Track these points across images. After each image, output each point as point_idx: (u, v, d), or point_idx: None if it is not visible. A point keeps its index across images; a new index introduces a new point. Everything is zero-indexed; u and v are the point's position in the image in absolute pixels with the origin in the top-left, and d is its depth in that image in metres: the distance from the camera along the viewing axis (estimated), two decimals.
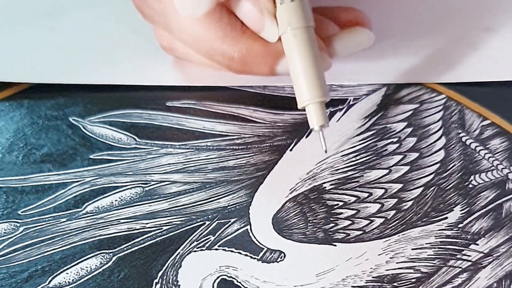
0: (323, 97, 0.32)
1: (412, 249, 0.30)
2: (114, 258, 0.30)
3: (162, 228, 0.31)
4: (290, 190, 0.33)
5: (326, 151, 0.34)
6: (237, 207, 0.32)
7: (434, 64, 0.38)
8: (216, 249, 0.30)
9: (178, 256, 0.30)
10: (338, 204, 0.32)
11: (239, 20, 0.34)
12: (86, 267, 0.30)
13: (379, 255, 0.30)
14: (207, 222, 0.31)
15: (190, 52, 0.36)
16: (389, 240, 0.31)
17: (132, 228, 0.31)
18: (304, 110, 0.33)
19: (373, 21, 0.40)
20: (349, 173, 0.33)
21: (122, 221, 0.32)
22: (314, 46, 0.33)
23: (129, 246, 0.31)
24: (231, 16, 0.33)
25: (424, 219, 0.31)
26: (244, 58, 0.34)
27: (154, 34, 0.38)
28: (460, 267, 0.29)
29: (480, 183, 0.33)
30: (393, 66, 0.38)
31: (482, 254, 0.30)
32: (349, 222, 0.31)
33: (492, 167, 0.33)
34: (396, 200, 0.32)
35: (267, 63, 0.34)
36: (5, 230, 0.31)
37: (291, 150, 0.35)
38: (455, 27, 0.41)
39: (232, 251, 0.30)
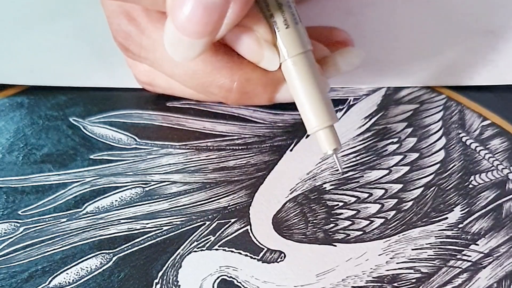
0: (331, 120, 0.31)
1: (412, 249, 0.30)
2: (114, 258, 0.30)
3: (162, 228, 0.31)
4: (290, 190, 0.33)
5: (342, 174, 0.33)
6: (237, 207, 0.32)
7: (434, 67, 0.38)
8: (216, 249, 0.30)
9: (178, 256, 0.30)
10: (338, 205, 0.32)
11: (234, 51, 0.32)
12: (86, 267, 0.30)
13: (379, 255, 0.30)
14: (207, 222, 0.31)
15: (173, 86, 0.35)
16: (389, 240, 0.31)
17: (132, 228, 0.31)
18: None
19: (373, 24, 0.40)
20: (349, 173, 0.33)
21: (122, 221, 0.32)
22: (315, 70, 0.31)
23: (129, 246, 0.31)
24: (226, 47, 0.32)
25: (424, 220, 0.31)
26: (243, 89, 0.32)
27: (132, 71, 0.36)
28: (460, 267, 0.30)
29: (480, 183, 0.33)
30: (392, 70, 0.38)
31: (482, 254, 0.30)
32: (349, 222, 0.31)
33: (492, 167, 0.33)
34: (396, 200, 0.32)
35: (266, 92, 0.32)
36: (5, 230, 0.31)
37: (291, 150, 0.35)
38: (455, 30, 0.41)
39: (232, 251, 0.30)
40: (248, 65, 0.32)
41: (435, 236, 0.31)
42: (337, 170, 0.33)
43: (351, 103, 0.37)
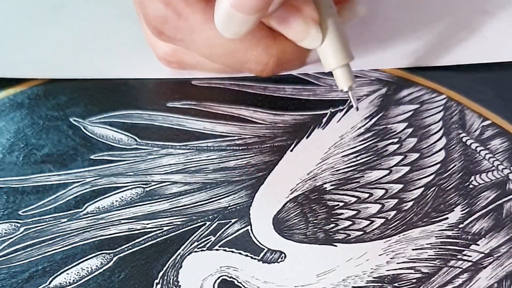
0: (347, 59, 0.33)
1: (413, 249, 0.30)
2: (114, 259, 0.30)
3: (163, 229, 0.31)
4: (291, 190, 0.33)
5: (357, 109, 0.35)
6: (238, 207, 0.32)
7: (431, 48, 0.39)
8: (217, 250, 0.30)
9: (179, 256, 0.30)
10: (338, 205, 0.32)
11: (267, 26, 0.33)
12: (86, 267, 0.30)
13: (379, 255, 0.30)
14: (208, 223, 0.31)
15: (202, 62, 0.36)
16: (389, 240, 0.31)
17: (132, 228, 0.31)
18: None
19: (371, 7, 0.41)
20: (350, 173, 0.33)
21: (122, 221, 0.32)
22: (333, 12, 0.33)
23: (130, 247, 0.31)
24: (260, 23, 0.33)
25: (425, 220, 0.31)
26: (279, 61, 0.34)
27: (155, 52, 0.37)
28: (460, 268, 0.30)
29: (480, 184, 0.33)
30: (390, 52, 0.39)
31: (482, 255, 0.30)
32: (350, 222, 0.31)
33: (493, 168, 0.33)
34: (396, 200, 0.32)
35: (300, 59, 0.34)
36: (6, 230, 0.31)
37: (291, 150, 0.35)
38: (452, 11, 0.41)
39: (232, 252, 0.30)
40: (280, 38, 0.33)
41: (436, 236, 0.31)
42: (337, 170, 0.33)
43: (351, 103, 0.37)
